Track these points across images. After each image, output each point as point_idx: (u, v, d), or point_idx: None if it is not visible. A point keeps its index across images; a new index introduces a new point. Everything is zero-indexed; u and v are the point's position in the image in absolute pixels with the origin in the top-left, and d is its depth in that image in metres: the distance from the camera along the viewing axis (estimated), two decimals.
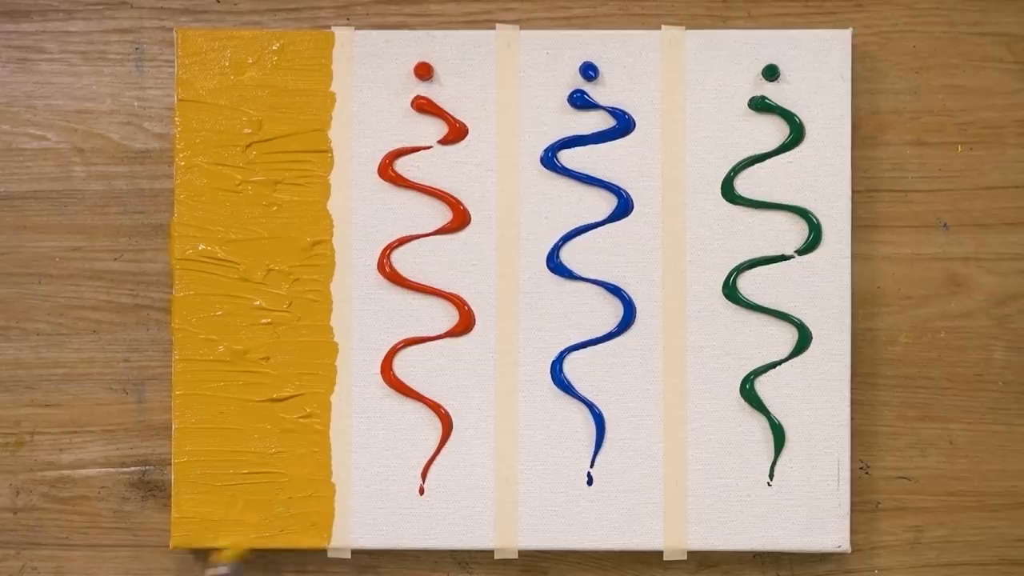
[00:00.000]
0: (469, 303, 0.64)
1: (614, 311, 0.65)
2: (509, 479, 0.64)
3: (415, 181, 0.65)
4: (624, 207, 0.64)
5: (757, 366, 0.64)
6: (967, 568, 0.66)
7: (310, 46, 0.65)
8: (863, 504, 0.66)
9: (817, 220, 0.64)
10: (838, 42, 0.64)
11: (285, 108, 0.65)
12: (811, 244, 0.64)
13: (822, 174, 0.64)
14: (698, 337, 0.64)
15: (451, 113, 0.65)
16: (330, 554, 0.65)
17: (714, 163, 0.64)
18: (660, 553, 0.64)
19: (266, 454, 0.64)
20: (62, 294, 0.66)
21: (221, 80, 0.65)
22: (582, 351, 0.64)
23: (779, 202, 0.64)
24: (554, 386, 0.64)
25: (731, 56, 0.64)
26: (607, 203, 0.65)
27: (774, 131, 0.64)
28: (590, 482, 0.64)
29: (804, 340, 0.64)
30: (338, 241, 0.65)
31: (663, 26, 0.65)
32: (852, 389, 0.64)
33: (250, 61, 0.65)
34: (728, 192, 0.64)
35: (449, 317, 0.64)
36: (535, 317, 0.64)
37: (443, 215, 0.65)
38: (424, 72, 0.64)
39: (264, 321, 0.65)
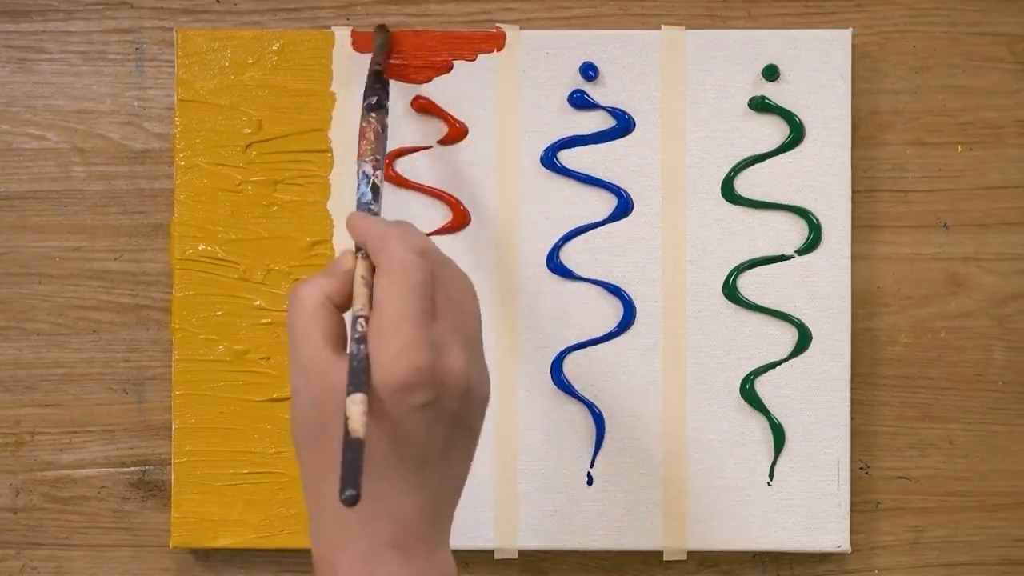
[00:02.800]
0: None
1: (614, 311, 0.65)
2: (509, 479, 0.64)
3: (415, 181, 0.65)
4: (624, 207, 0.64)
5: (757, 366, 0.64)
6: (967, 568, 0.66)
7: (310, 46, 0.65)
8: (863, 504, 0.66)
9: (817, 220, 0.64)
10: (838, 42, 0.64)
11: (285, 108, 0.65)
12: (811, 244, 0.64)
13: (822, 174, 0.64)
14: (698, 337, 0.64)
15: (451, 113, 0.65)
16: None
17: (714, 163, 0.64)
18: (660, 553, 0.64)
19: (266, 454, 0.64)
20: (62, 294, 0.66)
21: (221, 80, 0.65)
22: (582, 351, 0.64)
23: (779, 202, 0.64)
24: (554, 386, 0.64)
25: (731, 56, 0.64)
26: (607, 203, 0.65)
27: (774, 131, 0.64)
28: (590, 482, 0.64)
29: (804, 340, 0.64)
30: (338, 241, 0.65)
31: (663, 26, 0.65)
32: (852, 389, 0.64)
33: (250, 61, 0.65)
34: (728, 192, 0.64)
35: None
36: (535, 317, 0.64)
37: (443, 215, 0.65)
38: None
39: (264, 321, 0.65)
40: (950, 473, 0.66)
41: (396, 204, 0.65)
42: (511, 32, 0.65)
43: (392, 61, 0.64)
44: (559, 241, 0.64)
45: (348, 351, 0.45)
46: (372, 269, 0.47)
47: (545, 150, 0.65)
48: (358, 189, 0.54)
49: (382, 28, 0.64)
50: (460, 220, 0.64)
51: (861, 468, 0.66)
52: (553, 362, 0.64)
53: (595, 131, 0.65)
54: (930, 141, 0.66)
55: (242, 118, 0.65)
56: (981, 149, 0.66)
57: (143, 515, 0.66)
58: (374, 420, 0.44)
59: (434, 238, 0.64)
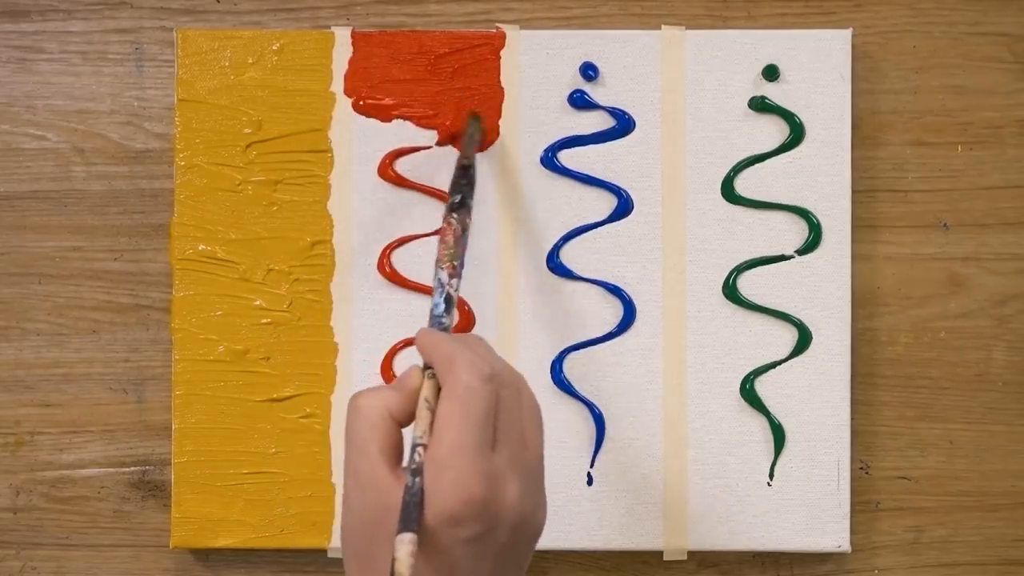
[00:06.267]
0: (469, 303, 0.64)
1: (614, 311, 0.65)
2: None
3: (415, 181, 0.65)
4: (624, 207, 0.64)
5: (757, 366, 0.64)
6: (967, 568, 0.66)
7: (310, 46, 0.65)
8: (863, 504, 0.66)
9: (817, 220, 0.64)
10: (838, 42, 0.64)
11: (285, 108, 0.65)
12: (811, 244, 0.64)
13: (822, 174, 0.64)
14: (698, 337, 0.64)
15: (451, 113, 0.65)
16: (330, 554, 0.65)
17: (714, 163, 0.64)
18: (660, 553, 0.64)
19: (266, 454, 0.64)
20: (62, 294, 0.66)
21: (221, 80, 0.65)
22: (582, 351, 0.64)
23: (779, 202, 0.64)
24: (554, 386, 0.64)
25: (731, 56, 0.64)
26: (607, 203, 0.65)
27: (774, 131, 0.64)
28: (590, 482, 0.64)
29: (804, 340, 0.64)
30: (338, 241, 0.65)
31: (663, 26, 0.65)
32: (852, 389, 0.64)
33: (250, 61, 0.65)
34: (728, 192, 0.64)
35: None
36: (535, 317, 0.64)
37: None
38: None
39: (264, 321, 0.65)
40: (950, 473, 0.66)
41: (396, 204, 0.65)
42: (511, 32, 0.65)
43: (395, 64, 0.65)
44: (559, 241, 0.64)
45: (404, 481, 0.45)
46: (438, 389, 0.47)
47: (545, 150, 0.65)
48: (432, 298, 0.52)
49: (475, 118, 0.63)
50: None
51: (861, 468, 0.66)
52: (553, 362, 0.64)
53: (595, 131, 0.65)
54: (930, 141, 0.66)
55: (242, 118, 0.65)
56: (981, 149, 0.66)
57: (143, 515, 0.66)
58: (422, 549, 0.44)
59: (434, 238, 0.64)
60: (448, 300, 0.51)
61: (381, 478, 0.45)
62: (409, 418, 0.47)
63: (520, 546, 0.47)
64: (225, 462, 0.64)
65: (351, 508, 0.46)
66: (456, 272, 0.52)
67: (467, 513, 0.44)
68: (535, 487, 0.47)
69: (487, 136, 0.64)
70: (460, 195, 0.56)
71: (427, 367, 0.48)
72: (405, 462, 0.46)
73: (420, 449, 0.45)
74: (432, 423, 0.46)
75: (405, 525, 0.43)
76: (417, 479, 0.44)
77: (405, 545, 0.43)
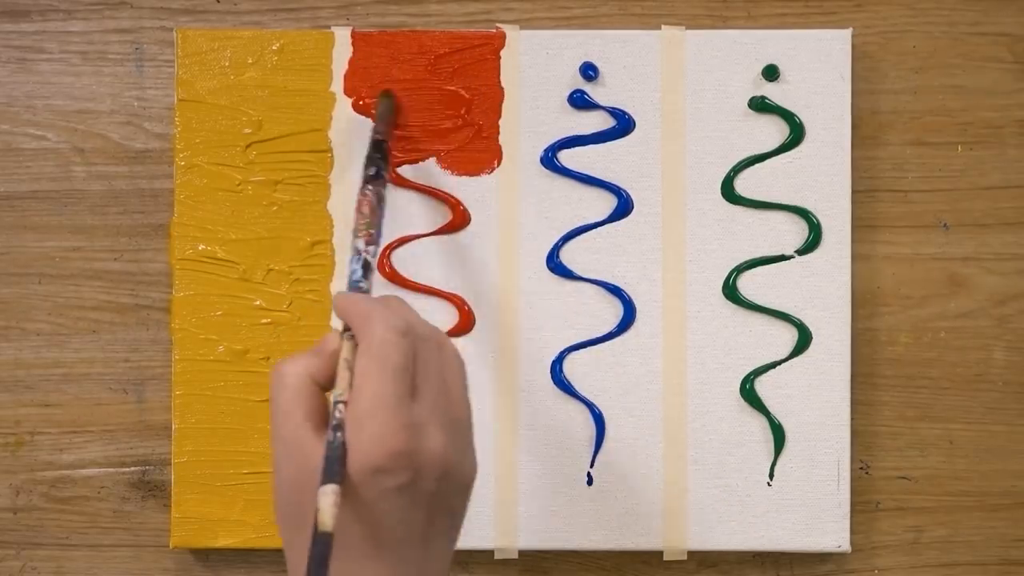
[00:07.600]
0: (469, 303, 0.64)
1: (614, 311, 0.65)
2: (509, 479, 0.64)
3: (416, 182, 0.65)
4: (624, 207, 0.64)
5: (757, 366, 0.64)
6: (967, 568, 0.66)
7: (310, 46, 0.65)
8: (863, 504, 0.66)
9: (817, 220, 0.64)
10: (838, 42, 0.64)
11: (285, 108, 0.65)
12: (811, 244, 0.64)
13: (822, 174, 0.64)
14: (698, 337, 0.64)
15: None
16: None
17: (714, 163, 0.64)
18: (660, 553, 0.64)
19: (266, 454, 0.64)
20: (62, 294, 0.66)
21: (221, 80, 0.65)
22: (582, 351, 0.64)
23: (779, 202, 0.64)
24: (554, 386, 0.64)
25: (731, 56, 0.64)
26: (607, 203, 0.65)
27: (774, 131, 0.64)
28: (590, 482, 0.64)
29: (804, 340, 0.64)
30: (338, 241, 0.65)
31: (663, 26, 0.65)
32: (852, 389, 0.64)
33: (250, 61, 0.65)
34: (728, 192, 0.64)
35: (449, 317, 0.64)
36: (535, 317, 0.64)
37: (443, 215, 0.65)
38: None
39: (264, 321, 0.65)
40: (950, 473, 0.66)
41: (396, 204, 0.65)
42: (511, 32, 0.65)
43: (395, 64, 0.65)
44: (559, 241, 0.64)
45: (326, 438, 0.45)
46: (356, 349, 0.47)
47: (545, 150, 0.65)
48: (349, 265, 0.53)
49: (386, 94, 0.63)
50: (461, 220, 0.64)
51: (861, 468, 0.66)
52: (553, 362, 0.64)
53: (595, 131, 0.65)
54: (930, 141, 0.66)
55: (242, 118, 0.65)
56: (981, 149, 0.66)
57: (143, 515, 0.66)
58: (349, 505, 0.44)
59: (435, 238, 0.64)
60: (366, 266, 0.52)
61: (307, 442, 0.45)
62: (331, 382, 0.47)
63: (449, 496, 0.46)
64: (225, 462, 0.64)
65: (280, 474, 0.46)
66: (373, 240, 0.54)
67: (390, 463, 0.44)
68: (461, 438, 0.47)
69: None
70: (375, 167, 0.57)
71: (346, 330, 0.48)
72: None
73: (340, 406, 0.45)
74: (352, 381, 0.46)
75: (328, 477, 0.43)
76: (339, 434, 0.44)
77: (328, 496, 0.43)
